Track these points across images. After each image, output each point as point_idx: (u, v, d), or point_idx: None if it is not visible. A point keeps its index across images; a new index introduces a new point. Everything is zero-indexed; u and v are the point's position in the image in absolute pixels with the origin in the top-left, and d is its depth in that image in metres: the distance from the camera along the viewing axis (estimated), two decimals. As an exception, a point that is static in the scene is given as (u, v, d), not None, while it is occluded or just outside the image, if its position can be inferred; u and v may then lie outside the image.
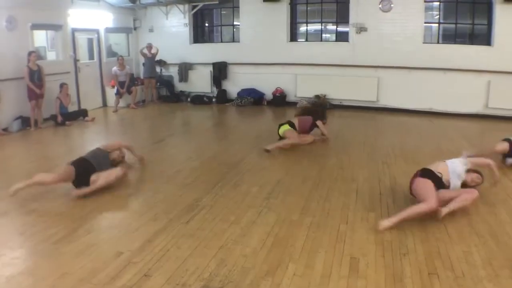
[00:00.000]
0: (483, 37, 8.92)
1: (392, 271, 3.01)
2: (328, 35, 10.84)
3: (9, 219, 4.02)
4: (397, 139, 7.12)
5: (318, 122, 6.77)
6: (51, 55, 9.76)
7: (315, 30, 10.76)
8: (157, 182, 4.95)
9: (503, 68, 8.47)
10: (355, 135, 7.32)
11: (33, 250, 3.43)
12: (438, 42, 9.36)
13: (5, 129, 7.69)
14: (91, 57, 10.36)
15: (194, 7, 11.10)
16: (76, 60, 9.54)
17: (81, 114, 8.95)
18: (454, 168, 4.23)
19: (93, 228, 3.74)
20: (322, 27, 10.62)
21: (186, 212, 4.00)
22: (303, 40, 10.79)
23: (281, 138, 6.46)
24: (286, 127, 6.48)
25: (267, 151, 6.07)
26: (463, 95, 8.90)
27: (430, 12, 9.55)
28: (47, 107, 8.30)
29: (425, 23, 9.23)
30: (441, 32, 9.47)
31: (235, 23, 11.33)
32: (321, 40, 10.56)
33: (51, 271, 3.04)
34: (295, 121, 6.65)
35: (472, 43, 9.10)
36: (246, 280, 2.86)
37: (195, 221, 3.83)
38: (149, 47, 10.81)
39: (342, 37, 10.24)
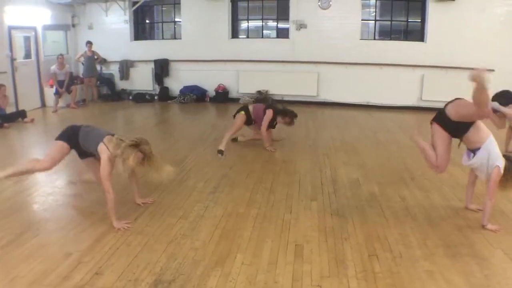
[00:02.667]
0: (417, 34, 9.49)
1: (334, 254, 3.19)
2: (269, 32, 11.04)
3: None
4: (337, 132, 7.43)
5: (279, 119, 6.23)
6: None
7: (256, 27, 10.93)
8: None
9: (436, 63, 9.08)
10: (297, 129, 7.51)
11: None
12: (374, 39, 9.83)
13: None
14: (28, 56, 9.91)
15: (134, 3, 10.91)
16: (13, 59, 9.09)
17: (20, 115, 8.54)
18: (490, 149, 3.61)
19: (40, 231, 3.66)
20: (263, 23, 10.81)
21: (134, 210, 4.00)
22: (245, 36, 10.92)
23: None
24: (240, 113, 6.16)
25: (221, 152, 5.81)
26: (399, 89, 9.43)
27: (367, 10, 10.00)
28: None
29: (362, 20, 9.66)
30: (377, 29, 9.96)
31: (176, 19, 11.27)
32: (262, 37, 10.75)
33: (0, 275, 2.96)
34: (250, 108, 6.27)
35: (406, 39, 9.65)
36: (197, 272, 2.94)
37: (143, 218, 3.84)
38: (89, 45, 10.50)
39: (282, 33, 10.47)
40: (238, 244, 3.35)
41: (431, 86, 9.16)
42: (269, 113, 6.05)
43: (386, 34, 9.94)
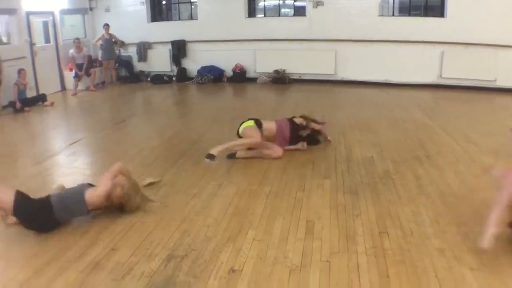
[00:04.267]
0: (437, 9, 9.23)
1: (345, 231, 3.22)
2: (286, 10, 10.93)
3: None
4: (353, 110, 7.38)
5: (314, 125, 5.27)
6: (5, 40, 9.39)
7: (274, 6, 10.82)
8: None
9: (456, 39, 8.82)
10: (313, 108, 7.50)
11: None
12: (393, 15, 9.62)
13: (-39, 118, 7.44)
14: (47, 40, 10.07)
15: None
16: (32, 44, 9.26)
17: (40, 99, 8.75)
18: None
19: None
20: (280, 2, 10.68)
21: (149, 189, 4.09)
22: (262, 15, 10.84)
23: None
24: (248, 123, 4.89)
25: (211, 157, 4.46)
26: (418, 66, 9.24)
27: (386, -15, 9.80)
28: (5, 93, 8.06)
29: (380, -4, 9.47)
30: (396, 5, 9.73)
31: (192, 0, 11.23)
32: (279, 15, 10.63)
33: (19, 255, 3.08)
34: (270, 124, 5.01)
35: (426, 15, 9.40)
36: (209, 247, 3.01)
37: (158, 197, 3.93)
38: (107, 28, 10.59)
39: (299, 12, 10.35)
40: (250, 221, 3.41)
41: (451, 63, 8.95)
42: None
43: (405, 10, 9.71)
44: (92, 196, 3.31)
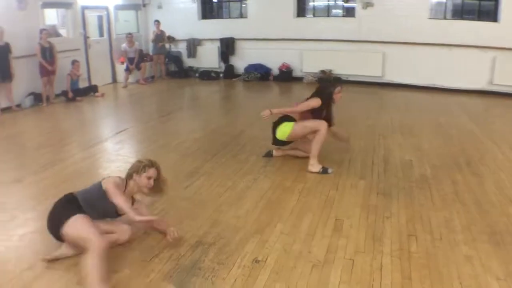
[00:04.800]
0: (490, 14, 8.87)
1: (373, 231, 3.22)
2: (336, 11, 10.85)
3: (23, 186, 4.32)
4: (397, 113, 7.24)
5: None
6: (61, 33, 9.94)
7: (324, 6, 10.78)
8: (161, 152, 5.20)
9: (509, 45, 8.45)
10: (357, 109, 7.45)
11: (44, 212, 3.71)
12: (444, 18, 9.34)
13: (18, 105, 7.96)
14: (101, 34, 10.57)
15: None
16: (86, 37, 9.75)
17: (91, 90, 9.22)
18: None
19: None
20: (331, 2, 10.63)
21: (186, 179, 4.26)
22: (311, 15, 10.84)
23: (281, 142, 4.76)
24: (287, 126, 4.56)
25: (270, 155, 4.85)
26: (468, 71, 8.90)
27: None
28: (59, 83, 8.54)
29: (432, -2, 9.22)
30: (448, 8, 9.44)
31: (242, -2, 11.45)
32: (328, 16, 10.58)
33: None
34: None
35: (478, 19, 9.06)
36: (236, 237, 3.12)
37: (194, 187, 4.09)
38: (157, 24, 10.96)
39: (348, 12, 10.26)
40: (280, 215, 3.49)
41: (504, 69, 8.56)
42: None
43: (457, 13, 9.39)
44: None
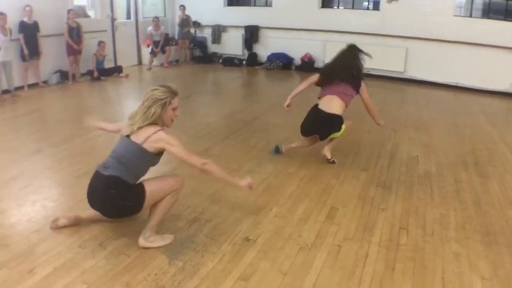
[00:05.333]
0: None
1: (365, 221, 3.31)
2: (365, 3, 10.77)
3: (42, 156, 4.58)
4: (414, 109, 7.21)
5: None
6: (90, 14, 10.21)
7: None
8: (174, 132, 5.30)
9: (535, 47, 8.27)
10: (374, 103, 7.42)
11: (58, 181, 3.98)
12: (470, 16, 9.17)
13: (45, 82, 8.26)
14: (128, 16, 10.80)
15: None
16: (113, 19, 9.99)
17: (116, 70, 9.48)
18: None
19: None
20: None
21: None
22: (336, 7, 10.80)
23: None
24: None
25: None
26: (492, 72, 8.71)
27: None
28: (85, 62, 8.83)
29: (459, -4, 9.06)
30: (474, 6, 9.26)
31: (269, -13, 11.47)
32: (353, 8, 10.52)
33: (70, 198, 3.57)
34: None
35: (505, 19, 8.85)
36: (232, 216, 3.27)
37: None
38: (183, 9, 11.11)
39: (373, 5, 10.19)
40: (277, 199, 3.62)
41: (529, 71, 8.39)
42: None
43: (484, 12, 9.20)
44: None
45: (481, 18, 9.14)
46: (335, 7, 10.81)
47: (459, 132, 5.97)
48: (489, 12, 9.04)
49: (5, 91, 7.03)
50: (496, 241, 3.10)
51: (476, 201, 3.77)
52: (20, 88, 7.69)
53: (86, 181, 3.78)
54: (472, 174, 4.43)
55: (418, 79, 9.56)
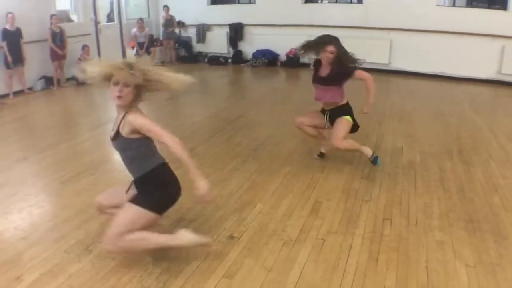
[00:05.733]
0: (500, 1, 8.74)
1: (349, 214, 3.34)
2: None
3: (28, 163, 4.57)
4: (399, 100, 7.27)
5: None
6: (73, 18, 10.15)
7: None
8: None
9: (519, 34, 8.34)
10: (358, 96, 7.44)
11: (43, 188, 3.97)
12: (453, 5, 9.23)
13: (30, 88, 8.21)
14: (109, 19, 10.75)
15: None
16: (97, 22, 9.94)
17: (101, 73, 9.43)
18: None
19: (96, 171, 4.24)
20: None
21: (178, 159, 4.41)
22: (319, 1, 10.82)
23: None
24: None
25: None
26: (476, 60, 8.79)
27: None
28: (70, 67, 8.76)
29: (440, -15, 9.10)
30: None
31: (251, -16, 11.47)
32: (336, 1, 10.55)
33: (56, 204, 3.58)
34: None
35: (488, 7, 8.92)
36: (217, 215, 3.29)
37: (182, 168, 4.23)
38: (166, 9, 11.09)
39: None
40: (262, 196, 3.64)
41: (512, 59, 8.46)
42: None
43: (468, 1, 9.27)
44: None
45: (463, 6, 9.19)
46: (318, 2, 10.83)
47: (444, 122, 6.02)
48: (472, 1, 9.10)
49: (-10, 99, 7.02)
50: (480, 228, 3.13)
51: (460, 189, 3.80)
52: (6, 95, 7.64)
53: (71, 187, 3.85)
54: (457, 162, 4.47)
55: (403, 70, 9.62)
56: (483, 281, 2.53)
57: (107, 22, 10.35)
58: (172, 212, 3.27)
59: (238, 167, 4.26)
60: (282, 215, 3.30)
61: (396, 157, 4.60)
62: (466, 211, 3.39)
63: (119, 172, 4.08)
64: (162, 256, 2.75)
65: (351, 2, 10.37)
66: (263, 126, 5.66)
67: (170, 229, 3.05)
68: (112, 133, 2.63)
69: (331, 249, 2.86)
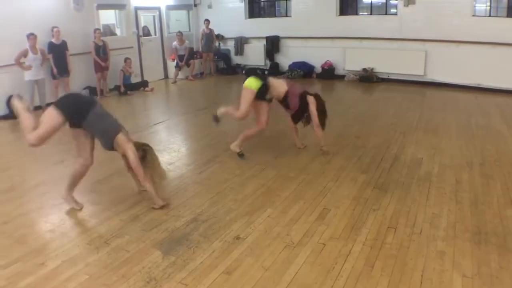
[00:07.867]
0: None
1: (354, 221, 3.43)
2: (379, 7, 10.83)
3: (63, 166, 4.97)
4: (429, 112, 7.22)
5: (310, 98, 4.90)
6: (117, 32, 10.78)
7: (366, 3, 10.81)
8: (186, 142, 5.74)
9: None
10: (387, 108, 7.52)
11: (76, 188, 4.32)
12: (489, 15, 9.07)
13: (74, 98, 8.83)
14: (153, 32, 11.31)
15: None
16: (139, 36, 10.51)
17: (142, 84, 10.00)
18: None
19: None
20: (374, 0, 10.65)
21: (202, 165, 4.72)
22: (353, 14, 10.92)
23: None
24: (253, 83, 4.76)
25: (216, 119, 5.14)
26: (512, 71, 8.61)
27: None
28: (113, 78, 9.37)
29: (476, -5, 8.98)
30: (492, 5, 9.15)
31: (287, -2, 11.74)
32: (371, 13, 10.61)
33: (84, 202, 3.90)
34: (280, 85, 4.93)
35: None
36: (227, 217, 3.51)
37: (207, 172, 4.53)
38: (207, 23, 11.54)
39: (391, 10, 10.24)
40: (273, 201, 3.82)
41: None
42: (313, 101, 4.94)
43: (503, 11, 9.05)
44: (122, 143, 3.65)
45: (499, 17, 9.00)
46: (353, 14, 10.92)
47: (470, 134, 5.94)
48: (508, 11, 8.88)
49: (37, 107, 7.56)
50: (486, 240, 3.11)
51: (473, 202, 3.78)
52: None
53: (103, 187, 4.20)
54: (475, 174, 4.42)
55: (438, 81, 9.52)
56: (477, 293, 2.54)
57: (143, 35, 10.87)
58: (188, 213, 3.56)
59: (256, 174, 4.47)
60: (289, 220, 3.47)
61: (414, 168, 4.63)
62: (475, 223, 3.37)
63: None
64: (171, 251, 3.01)
65: (386, 14, 10.39)
66: (286, 136, 5.80)
67: (182, 228, 3.32)
68: None
69: (329, 253, 2.98)
